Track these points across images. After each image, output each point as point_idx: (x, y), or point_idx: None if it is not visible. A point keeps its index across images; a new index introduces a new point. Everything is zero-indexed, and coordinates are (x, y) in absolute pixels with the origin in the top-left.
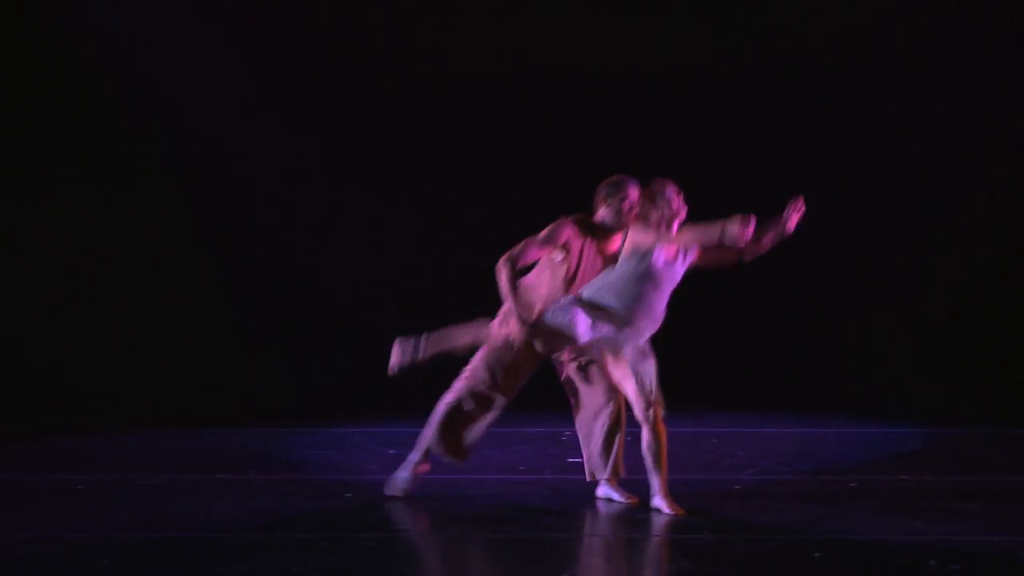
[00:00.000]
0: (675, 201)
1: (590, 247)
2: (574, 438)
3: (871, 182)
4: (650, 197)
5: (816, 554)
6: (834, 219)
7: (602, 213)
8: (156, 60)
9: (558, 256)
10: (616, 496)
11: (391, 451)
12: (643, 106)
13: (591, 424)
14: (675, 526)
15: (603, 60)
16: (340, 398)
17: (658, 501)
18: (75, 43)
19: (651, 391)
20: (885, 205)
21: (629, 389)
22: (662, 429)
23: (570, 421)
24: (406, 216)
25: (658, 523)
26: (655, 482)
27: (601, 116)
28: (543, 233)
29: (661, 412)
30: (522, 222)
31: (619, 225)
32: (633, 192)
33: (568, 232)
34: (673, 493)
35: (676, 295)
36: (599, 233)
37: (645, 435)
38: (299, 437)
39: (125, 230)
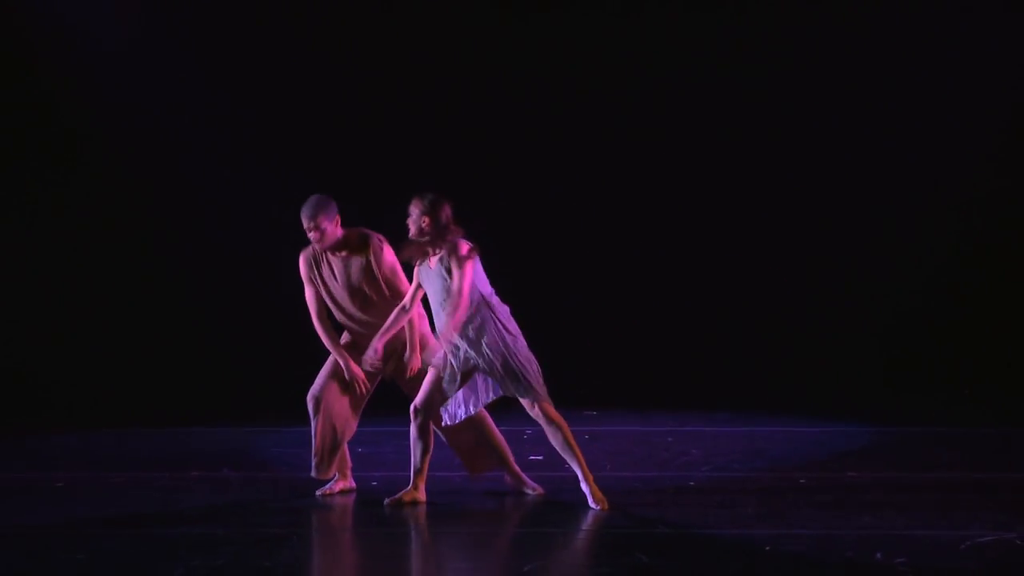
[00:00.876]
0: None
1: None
2: (535, 436)
3: (814, 186)
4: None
5: (767, 547)
6: (779, 223)
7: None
8: (126, 74)
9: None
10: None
11: (359, 449)
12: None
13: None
14: (632, 520)
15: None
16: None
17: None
18: (45, 61)
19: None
20: (829, 210)
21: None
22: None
23: (532, 419)
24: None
25: (615, 518)
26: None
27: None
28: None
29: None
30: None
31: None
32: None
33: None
34: (631, 489)
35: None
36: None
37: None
38: (270, 436)
39: (95, 232)
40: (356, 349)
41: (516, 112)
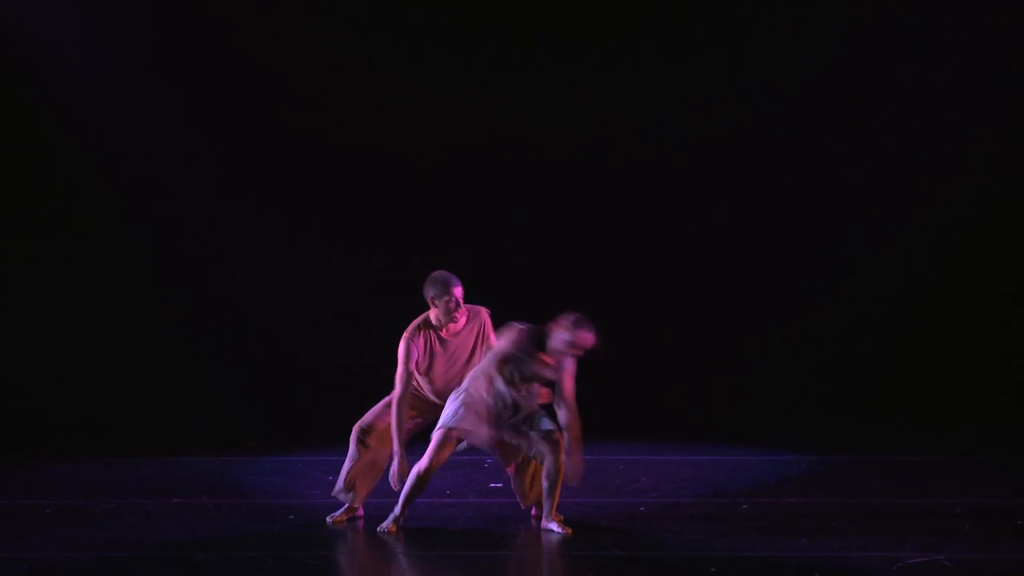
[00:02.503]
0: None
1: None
2: (495, 465)
3: (747, 222)
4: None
5: (712, 569)
6: (718, 254)
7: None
8: (115, 120)
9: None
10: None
11: (330, 477)
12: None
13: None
14: (585, 544)
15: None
16: (284, 428)
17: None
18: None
19: None
20: (766, 240)
21: None
22: None
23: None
24: (345, 259)
25: (568, 542)
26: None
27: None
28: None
29: None
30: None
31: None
32: (457, 290)
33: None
34: (584, 514)
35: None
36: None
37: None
38: (246, 464)
39: (82, 267)
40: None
41: (502, 135)
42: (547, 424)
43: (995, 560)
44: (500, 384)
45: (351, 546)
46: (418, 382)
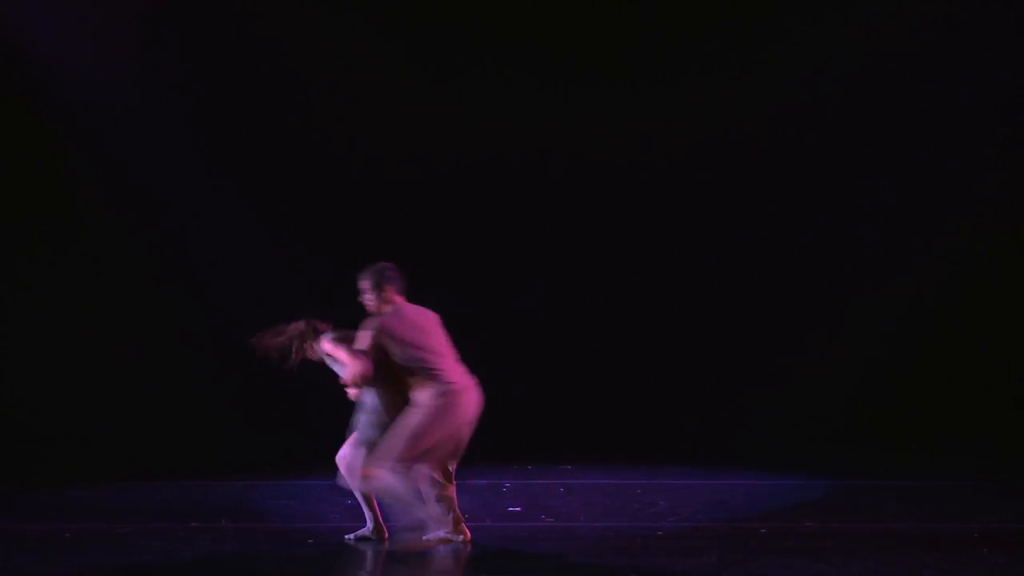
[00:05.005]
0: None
1: None
2: (514, 489)
3: (763, 248)
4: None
5: None
6: (736, 280)
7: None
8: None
9: None
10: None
11: (348, 501)
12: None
13: None
14: (603, 569)
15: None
16: (302, 452)
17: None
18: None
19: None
20: (782, 265)
21: None
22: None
23: (509, 473)
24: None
25: (589, 564)
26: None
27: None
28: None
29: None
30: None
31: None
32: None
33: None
34: (603, 538)
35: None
36: None
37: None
38: (265, 488)
39: (100, 290)
40: None
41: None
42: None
43: None
44: None
45: (368, 570)
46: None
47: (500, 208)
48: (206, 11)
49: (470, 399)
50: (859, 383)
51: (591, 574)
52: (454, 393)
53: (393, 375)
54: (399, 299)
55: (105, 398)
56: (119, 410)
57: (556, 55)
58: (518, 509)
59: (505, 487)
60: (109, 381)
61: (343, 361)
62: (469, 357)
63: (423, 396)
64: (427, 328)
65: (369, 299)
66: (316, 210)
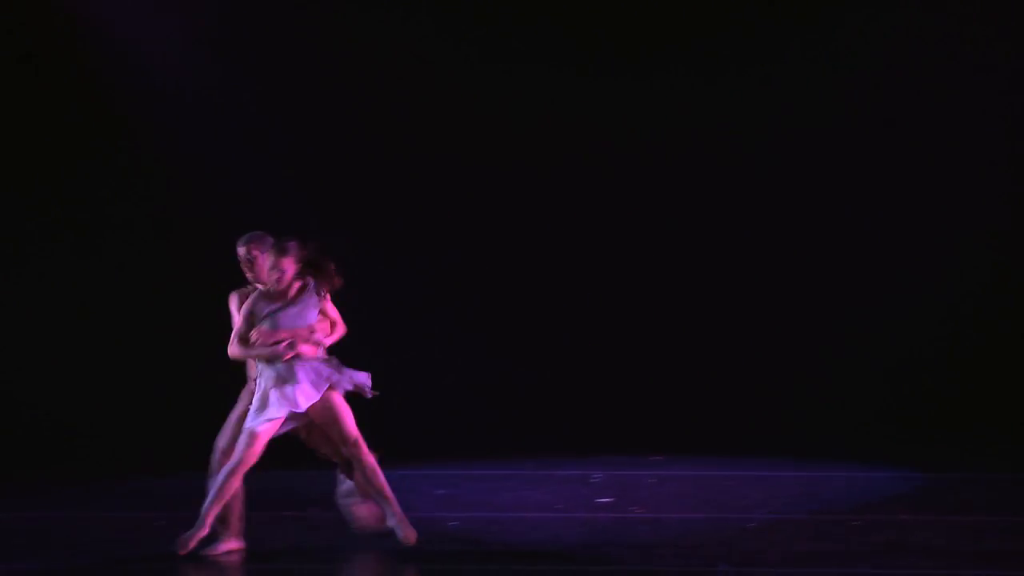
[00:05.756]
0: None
1: None
2: (606, 480)
3: (859, 237)
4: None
5: None
6: (834, 272)
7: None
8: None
9: None
10: None
11: (438, 491)
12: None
13: None
14: (694, 560)
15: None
16: (391, 441)
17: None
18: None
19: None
20: (875, 256)
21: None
22: None
23: (599, 464)
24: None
25: (680, 556)
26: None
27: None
28: None
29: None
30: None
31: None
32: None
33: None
34: (694, 530)
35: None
36: None
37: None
38: None
39: (162, 280)
40: None
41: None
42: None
43: None
44: None
45: (460, 562)
46: None
47: (560, 203)
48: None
49: None
50: (956, 374)
51: (681, 566)
52: None
53: None
54: None
55: (198, 389)
56: (211, 402)
57: (584, 48)
58: (608, 500)
59: (594, 478)
60: (202, 372)
61: (337, 320)
62: (564, 350)
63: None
64: None
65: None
66: (377, 204)
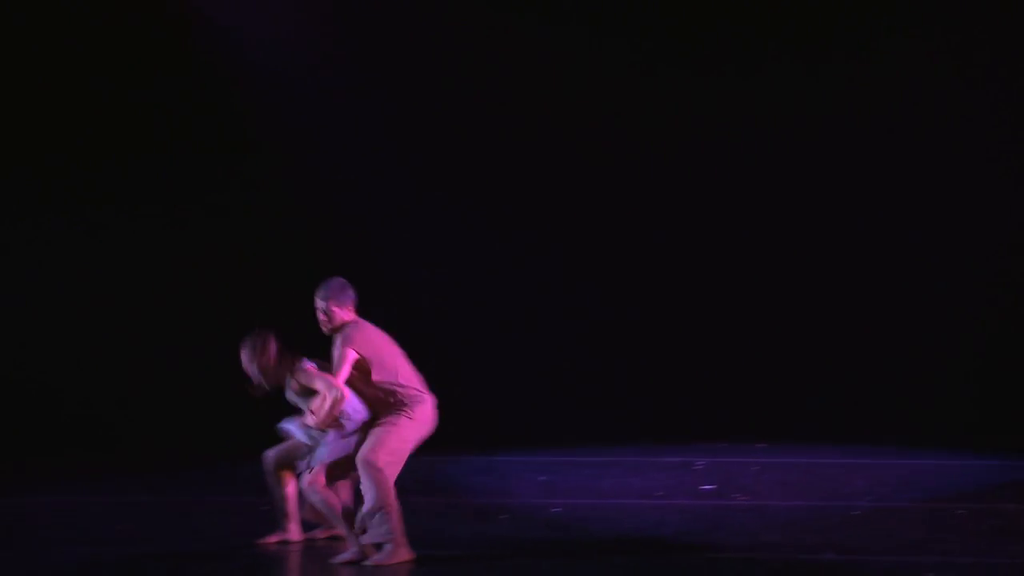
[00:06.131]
0: None
1: None
2: (709, 467)
3: (969, 226)
4: None
5: (928, 574)
6: (947, 258)
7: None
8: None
9: None
10: None
11: (541, 477)
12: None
13: None
14: (799, 547)
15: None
16: (494, 427)
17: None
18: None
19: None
20: (983, 242)
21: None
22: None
23: (702, 451)
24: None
25: (784, 543)
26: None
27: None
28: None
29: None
30: None
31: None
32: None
33: None
34: (798, 517)
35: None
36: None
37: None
38: (457, 463)
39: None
40: None
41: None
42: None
43: None
44: None
45: (563, 549)
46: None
47: (662, 191)
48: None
49: (433, 414)
50: None
51: (785, 553)
52: (425, 406)
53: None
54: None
55: None
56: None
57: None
58: (711, 487)
59: (698, 466)
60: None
61: (323, 391)
62: (669, 337)
63: (395, 410)
64: (389, 341)
65: (324, 318)
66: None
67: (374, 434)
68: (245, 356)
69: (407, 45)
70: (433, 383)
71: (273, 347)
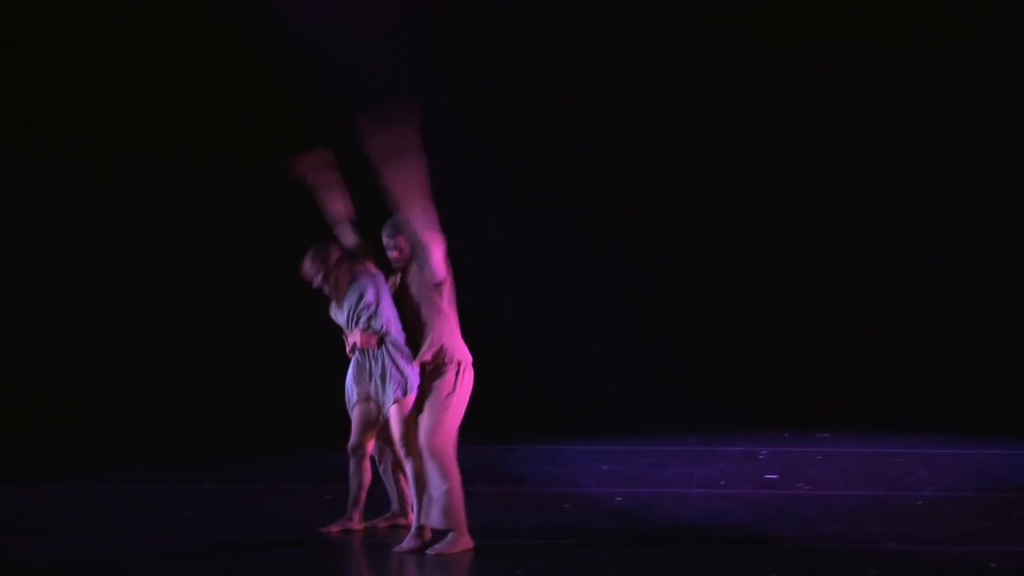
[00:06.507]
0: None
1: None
2: (772, 456)
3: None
4: None
5: (992, 564)
6: (1005, 246)
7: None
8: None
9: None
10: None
11: (604, 467)
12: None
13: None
14: (862, 536)
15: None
16: (557, 417)
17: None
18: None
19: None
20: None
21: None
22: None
23: (765, 441)
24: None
25: (847, 533)
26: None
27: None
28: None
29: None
30: None
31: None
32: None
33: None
34: (861, 507)
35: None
36: None
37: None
38: (521, 453)
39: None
40: None
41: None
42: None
43: None
44: None
45: (626, 538)
46: None
47: (732, 185)
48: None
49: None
50: None
51: (848, 542)
52: (471, 371)
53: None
54: None
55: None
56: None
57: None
58: (775, 477)
59: (761, 455)
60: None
61: (432, 246)
62: (732, 328)
63: (449, 374)
64: None
65: (396, 254)
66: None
67: (431, 413)
68: (308, 262)
69: (472, 41)
70: (496, 373)
71: (335, 252)
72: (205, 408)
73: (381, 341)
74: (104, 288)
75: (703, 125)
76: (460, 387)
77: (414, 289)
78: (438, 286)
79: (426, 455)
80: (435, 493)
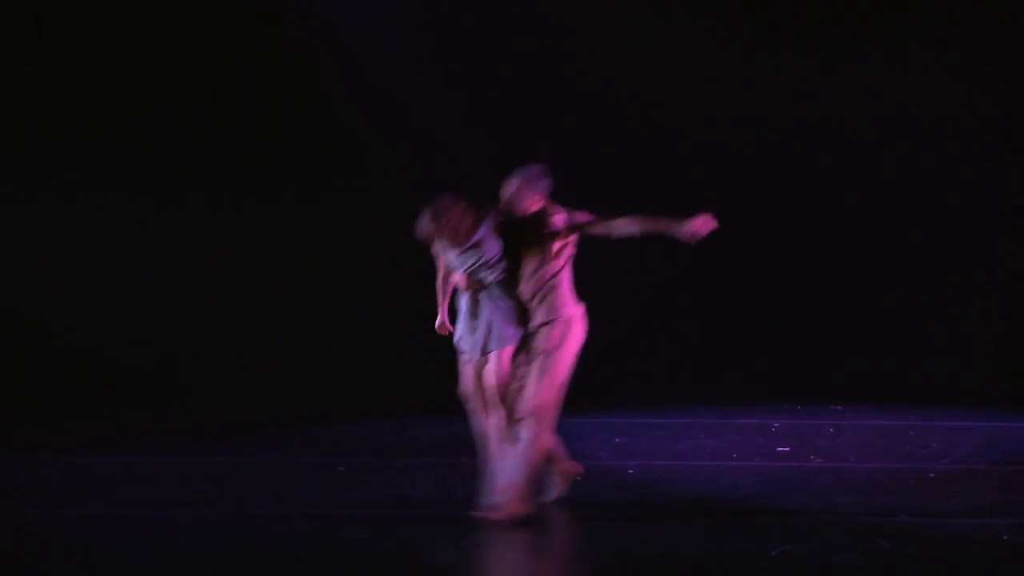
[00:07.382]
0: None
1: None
2: (785, 429)
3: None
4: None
5: (1004, 536)
6: (1001, 221)
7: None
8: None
9: None
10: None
11: (617, 439)
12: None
13: None
14: (875, 509)
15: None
16: (570, 390)
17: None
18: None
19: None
20: None
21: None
22: None
23: (778, 413)
24: None
25: (860, 506)
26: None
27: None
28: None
29: None
30: None
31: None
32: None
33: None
34: (874, 479)
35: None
36: None
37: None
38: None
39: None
40: None
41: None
42: None
43: None
44: None
45: (638, 510)
46: None
47: (760, 168)
48: None
49: None
50: None
51: (861, 514)
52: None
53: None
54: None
55: (388, 341)
56: (396, 351)
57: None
58: (787, 449)
59: (774, 427)
60: (397, 324)
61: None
62: (743, 300)
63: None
64: None
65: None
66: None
67: (540, 371)
68: (428, 217)
69: (473, 42)
70: None
71: (455, 198)
72: (217, 381)
73: (485, 287)
74: (121, 262)
75: (716, 109)
76: (566, 345)
77: (527, 241)
78: (553, 236)
79: (525, 417)
80: (516, 456)
